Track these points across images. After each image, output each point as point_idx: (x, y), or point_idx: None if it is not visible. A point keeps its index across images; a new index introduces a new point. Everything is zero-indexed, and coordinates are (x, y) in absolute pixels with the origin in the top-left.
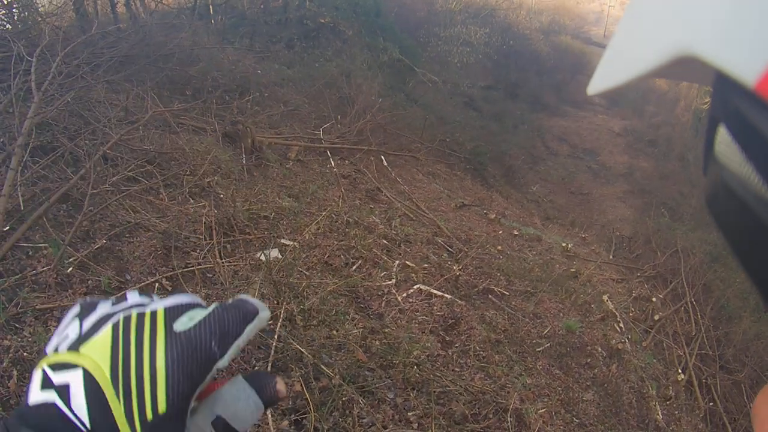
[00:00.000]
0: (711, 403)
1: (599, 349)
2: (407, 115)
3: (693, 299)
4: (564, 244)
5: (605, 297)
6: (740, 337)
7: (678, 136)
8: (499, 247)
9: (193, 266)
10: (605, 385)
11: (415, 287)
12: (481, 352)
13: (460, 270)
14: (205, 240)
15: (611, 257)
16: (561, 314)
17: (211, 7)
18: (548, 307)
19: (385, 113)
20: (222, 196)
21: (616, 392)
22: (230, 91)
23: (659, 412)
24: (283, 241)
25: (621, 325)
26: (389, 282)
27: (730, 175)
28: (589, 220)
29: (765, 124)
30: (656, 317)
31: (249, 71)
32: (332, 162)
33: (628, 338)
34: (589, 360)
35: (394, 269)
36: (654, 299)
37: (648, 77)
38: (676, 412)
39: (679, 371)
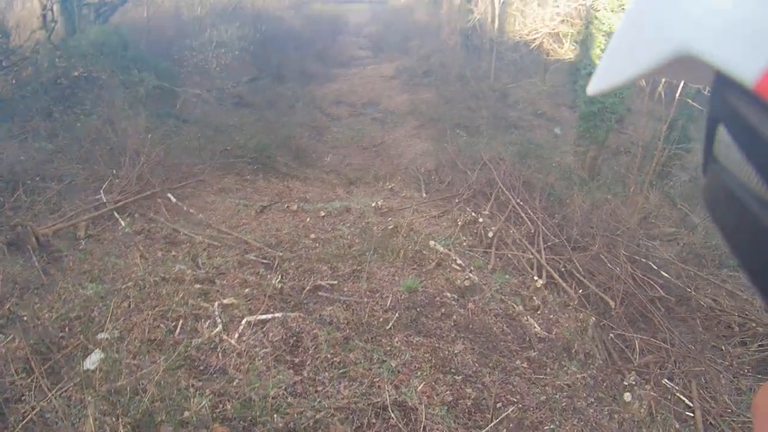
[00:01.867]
0: (581, 291)
1: (448, 294)
2: (181, 139)
3: (518, 201)
4: (374, 204)
5: (431, 242)
6: (578, 213)
7: (450, 60)
8: (312, 236)
9: (28, 414)
10: (470, 326)
11: (243, 322)
12: (334, 358)
13: (280, 281)
14: (28, 376)
15: (424, 195)
16: (396, 278)
17: None
18: (381, 276)
19: (158, 147)
20: (26, 317)
21: (484, 328)
22: (1, 191)
23: (535, 325)
24: (100, 336)
25: (458, 261)
26: (217, 329)
27: (729, 176)
28: (391, 167)
29: (764, 124)
30: (490, 234)
31: (13, 161)
32: (122, 222)
33: (471, 270)
34: (443, 310)
35: (217, 313)
36: (480, 219)
37: (648, 76)
38: (551, 316)
39: (535, 277)
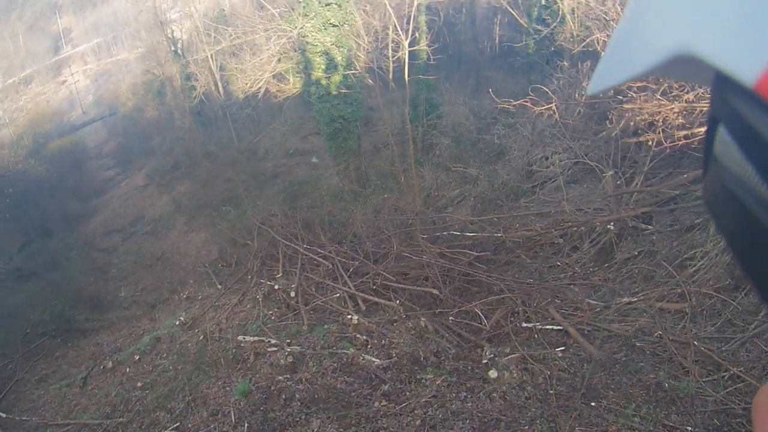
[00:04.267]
0: (401, 298)
1: (280, 378)
2: None
3: (305, 246)
4: (177, 322)
5: (240, 337)
6: (365, 227)
7: (191, 143)
8: (139, 384)
9: None
10: (315, 396)
11: None
12: None
13: None
14: None
15: (219, 287)
16: (227, 388)
17: None
18: (215, 394)
19: None
20: None
21: (329, 391)
22: None
23: (373, 359)
24: None
25: (273, 341)
26: None
27: (729, 176)
28: (181, 273)
29: (764, 124)
30: (292, 294)
31: None
32: None
33: (288, 341)
34: (284, 396)
35: None
36: (276, 285)
37: (648, 75)
38: (383, 341)
39: (349, 315)
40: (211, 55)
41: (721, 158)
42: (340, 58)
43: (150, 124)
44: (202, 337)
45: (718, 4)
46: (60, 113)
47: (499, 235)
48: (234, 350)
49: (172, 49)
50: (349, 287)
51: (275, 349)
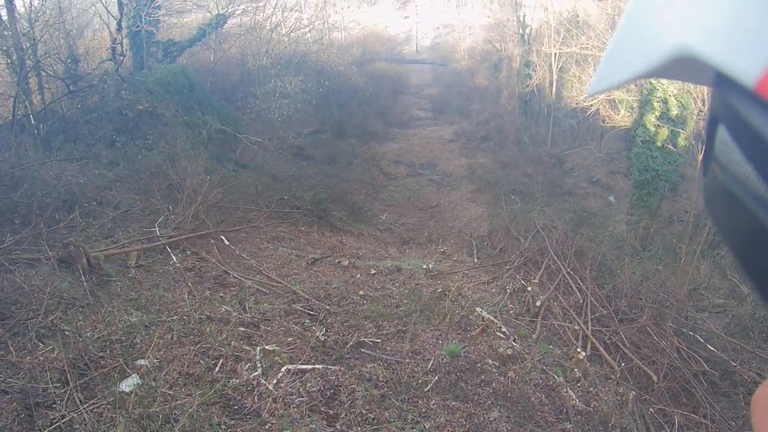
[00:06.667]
0: (623, 363)
1: (490, 361)
2: (239, 184)
3: (569, 270)
4: (425, 266)
5: (478, 309)
6: (628, 284)
7: (508, 124)
8: (361, 292)
9: (57, 421)
10: (508, 395)
11: (283, 370)
12: (369, 414)
13: (324, 334)
14: (63, 387)
15: (476, 260)
16: (440, 341)
17: (31, 116)
18: (425, 338)
19: (216, 189)
20: (68, 332)
21: (522, 397)
22: (58, 209)
23: (573, 397)
24: (140, 362)
25: (504, 329)
26: (256, 373)
27: (729, 176)
28: (445, 230)
29: (764, 124)
30: (537, 303)
31: (72, 182)
32: (173, 257)
33: (515, 338)
34: (483, 377)
35: (258, 358)
36: (529, 288)
37: (647, 77)
38: (591, 389)
39: (578, 349)
40: (555, 54)
41: (721, 158)
42: (675, 112)
43: (475, 90)
44: (441, 290)
45: (718, 5)
46: (394, 42)
47: (735, 365)
48: (462, 315)
49: (520, 32)
50: (587, 328)
51: (502, 337)
